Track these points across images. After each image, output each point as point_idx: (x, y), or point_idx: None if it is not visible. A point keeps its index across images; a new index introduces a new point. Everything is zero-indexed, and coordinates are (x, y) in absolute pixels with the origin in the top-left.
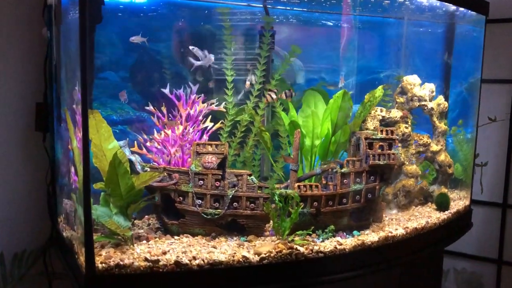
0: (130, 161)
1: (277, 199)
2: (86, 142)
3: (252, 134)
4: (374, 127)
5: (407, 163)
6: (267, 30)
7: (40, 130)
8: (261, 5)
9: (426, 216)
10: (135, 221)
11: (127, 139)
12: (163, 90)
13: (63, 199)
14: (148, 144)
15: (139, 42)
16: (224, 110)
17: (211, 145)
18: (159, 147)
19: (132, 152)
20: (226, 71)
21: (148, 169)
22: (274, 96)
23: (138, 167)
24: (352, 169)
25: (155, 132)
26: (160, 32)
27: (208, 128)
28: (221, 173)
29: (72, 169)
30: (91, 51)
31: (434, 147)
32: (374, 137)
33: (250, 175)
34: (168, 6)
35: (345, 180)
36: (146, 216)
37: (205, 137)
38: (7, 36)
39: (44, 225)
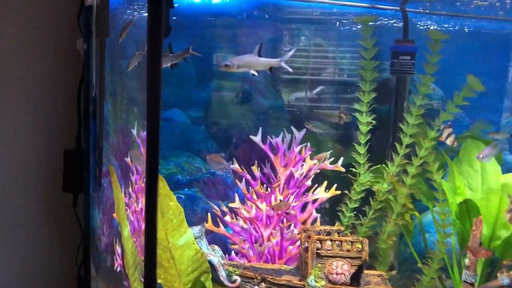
0: (210, 264)
1: None
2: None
3: (392, 213)
4: None
5: None
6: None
7: (68, 190)
8: (396, 8)
9: None
10: None
11: (205, 224)
12: (252, 137)
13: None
14: (227, 219)
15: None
16: (344, 170)
17: (341, 240)
18: (245, 226)
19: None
20: (358, 115)
21: (238, 279)
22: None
23: (222, 275)
24: None
25: (237, 200)
26: (250, 45)
27: (317, 198)
28: None
29: (118, 248)
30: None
31: None
32: None
33: None
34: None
35: None
36: None
37: (314, 213)
38: (24, 52)
39: None
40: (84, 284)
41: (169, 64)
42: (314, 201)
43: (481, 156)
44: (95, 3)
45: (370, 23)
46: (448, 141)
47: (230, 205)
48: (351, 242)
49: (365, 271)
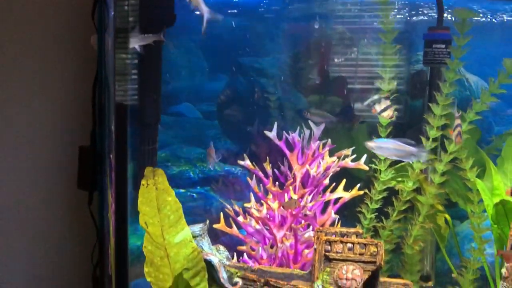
0: (210, 264)
1: None
2: None
3: (418, 213)
4: None
5: None
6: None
7: (84, 187)
8: None
9: None
10: None
11: (207, 222)
12: (267, 133)
13: None
14: (240, 219)
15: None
16: (367, 168)
17: (353, 242)
18: (258, 227)
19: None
20: (378, 106)
21: (240, 281)
22: None
23: (223, 276)
24: None
25: (253, 199)
26: (265, 41)
27: (338, 198)
28: None
29: None
30: (155, 70)
31: None
32: None
33: None
34: None
35: None
36: None
37: (333, 214)
38: (39, 49)
39: None
40: (100, 283)
41: (137, 45)
42: (336, 202)
43: None
44: None
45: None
46: (385, 115)
47: (245, 205)
48: (365, 245)
49: (388, 279)
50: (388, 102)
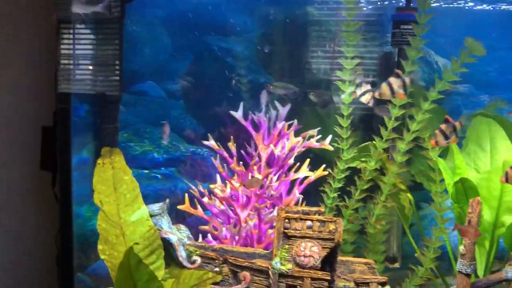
0: (168, 243)
1: None
2: None
3: (381, 193)
4: None
5: None
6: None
7: (47, 168)
8: None
9: None
10: None
11: (167, 201)
12: (232, 113)
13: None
14: (206, 200)
15: None
16: (332, 148)
17: (312, 219)
18: (222, 207)
19: (175, 221)
20: (340, 84)
21: (198, 259)
22: (442, 140)
23: (181, 254)
24: None
25: (219, 180)
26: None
27: (302, 178)
28: (328, 277)
29: None
30: (115, 47)
31: None
32: None
33: (383, 283)
34: None
35: None
36: None
37: (297, 194)
38: None
39: None
40: (64, 265)
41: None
42: (302, 182)
43: None
44: None
45: None
46: (364, 99)
47: (211, 186)
48: (324, 222)
49: (351, 259)
50: (368, 87)
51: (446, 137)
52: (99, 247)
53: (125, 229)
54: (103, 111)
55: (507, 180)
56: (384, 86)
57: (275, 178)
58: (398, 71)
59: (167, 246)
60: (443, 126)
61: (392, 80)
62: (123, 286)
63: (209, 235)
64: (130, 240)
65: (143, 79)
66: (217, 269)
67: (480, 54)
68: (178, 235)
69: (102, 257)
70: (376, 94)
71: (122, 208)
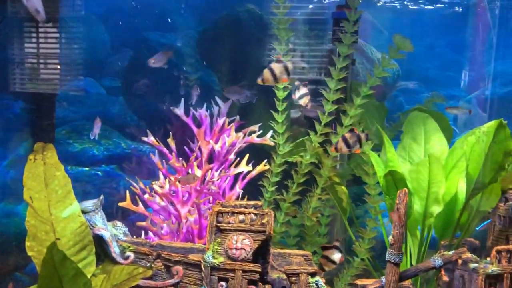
0: (101, 239)
1: None
2: None
3: (317, 186)
4: None
5: None
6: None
7: None
8: None
9: None
10: None
11: (101, 197)
12: (174, 109)
13: None
14: (146, 196)
15: None
16: (272, 144)
17: (244, 212)
18: (162, 203)
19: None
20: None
21: (132, 255)
22: (354, 142)
23: (115, 250)
24: (507, 268)
25: (161, 177)
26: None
27: (245, 173)
28: (259, 269)
29: None
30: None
31: None
32: None
33: (313, 274)
34: None
35: None
36: None
37: (238, 189)
38: None
39: None
40: None
41: None
42: (244, 178)
43: None
44: None
45: None
46: (302, 102)
47: (153, 183)
48: (256, 215)
49: (289, 251)
50: (305, 90)
51: (349, 146)
52: (27, 243)
53: (56, 225)
54: (39, 108)
55: (336, 149)
56: (266, 72)
57: (216, 173)
58: (278, 55)
59: (101, 243)
60: (347, 135)
61: (274, 65)
62: (48, 282)
63: (149, 232)
64: (61, 236)
65: (82, 76)
66: (149, 264)
67: (408, 50)
68: (113, 231)
69: (30, 254)
70: (259, 81)
71: (53, 204)
